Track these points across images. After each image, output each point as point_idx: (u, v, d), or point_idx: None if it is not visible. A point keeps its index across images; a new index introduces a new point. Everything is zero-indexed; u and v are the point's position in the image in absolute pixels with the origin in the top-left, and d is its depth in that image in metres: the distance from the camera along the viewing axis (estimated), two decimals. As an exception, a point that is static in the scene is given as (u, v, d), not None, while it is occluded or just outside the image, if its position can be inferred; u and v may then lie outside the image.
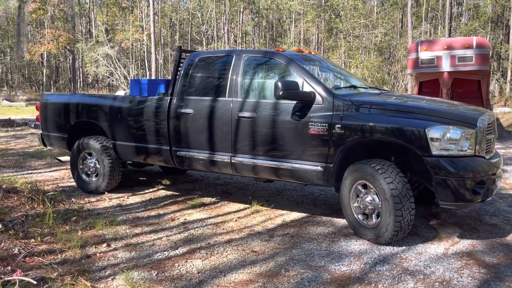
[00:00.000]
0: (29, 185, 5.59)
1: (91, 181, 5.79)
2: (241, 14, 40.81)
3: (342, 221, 4.61)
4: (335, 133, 4.04)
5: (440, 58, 9.96)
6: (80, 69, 40.57)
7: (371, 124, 3.90)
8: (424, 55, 10.11)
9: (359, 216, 4.10)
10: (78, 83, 39.67)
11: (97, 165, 5.70)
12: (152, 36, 30.10)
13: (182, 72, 5.09)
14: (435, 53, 10.00)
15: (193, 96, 4.97)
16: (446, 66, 9.93)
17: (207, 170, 5.07)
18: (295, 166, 4.32)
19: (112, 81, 34.35)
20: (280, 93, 4.06)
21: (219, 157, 4.77)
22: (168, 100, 5.08)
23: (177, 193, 5.88)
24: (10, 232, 3.99)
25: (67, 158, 6.21)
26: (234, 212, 5.06)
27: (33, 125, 6.62)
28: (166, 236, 4.20)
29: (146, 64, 35.92)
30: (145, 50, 37.09)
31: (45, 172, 7.12)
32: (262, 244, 4.01)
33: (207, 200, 5.54)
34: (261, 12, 41.48)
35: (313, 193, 5.87)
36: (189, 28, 41.97)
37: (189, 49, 42.51)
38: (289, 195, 5.77)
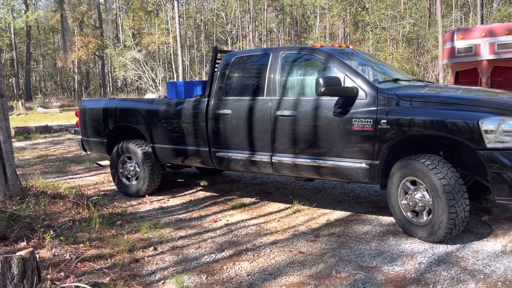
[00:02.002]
0: (73, 191, 5.69)
1: (132, 184, 5.85)
2: (265, 11, 40.66)
3: (389, 219, 4.48)
4: (380, 128, 3.91)
5: (478, 46, 9.57)
6: (110, 74, 41.46)
7: (420, 118, 3.75)
8: (461, 43, 9.74)
9: (408, 213, 3.96)
10: (108, 88, 40.55)
11: (137, 169, 5.76)
12: (178, 38, 30.42)
13: (218, 72, 5.06)
14: (472, 41, 9.61)
15: (230, 96, 4.94)
16: (485, 54, 9.53)
17: (247, 170, 5.02)
18: (338, 164, 4.22)
19: (141, 84, 34.93)
20: (322, 89, 3.97)
21: (258, 157, 4.72)
22: (206, 102, 5.07)
23: (216, 194, 5.87)
24: (61, 237, 4.06)
25: (106, 162, 6.30)
26: (276, 212, 4.99)
27: (73, 131, 6.76)
28: (211, 238, 4.18)
29: (173, 66, 36.34)
30: (171, 53, 37.52)
31: (85, 176, 7.26)
32: (308, 244, 3.93)
33: (246, 200, 5.50)
34: (285, 9, 41.23)
35: (354, 191, 5.74)
36: (214, 29, 42.19)
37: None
38: (329, 194, 5.66)
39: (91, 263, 3.52)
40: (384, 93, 3.99)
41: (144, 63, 34.17)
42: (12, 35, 36.55)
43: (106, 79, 41.37)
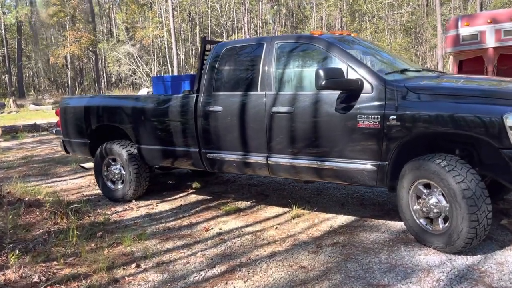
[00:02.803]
0: (53, 197, 5.24)
1: (117, 188, 5.40)
2: (260, 2, 40.01)
3: (398, 224, 4.05)
4: (389, 125, 3.47)
5: (484, 33, 9.10)
6: (104, 69, 40.84)
7: (434, 113, 3.30)
8: (466, 31, 9.27)
9: (421, 220, 3.53)
10: (102, 83, 39.96)
11: (123, 172, 5.31)
12: (172, 31, 29.84)
13: (207, 65, 4.60)
14: (477, 28, 9.15)
15: (221, 91, 4.48)
16: (490, 42, 9.06)
17: (241, 172, 4.58)
18: (341, 166, 3.78)
19: (135, 79, 34.38)
20: (323, 82, 3.51)
21: (253, 158, 4.27)
22: (194, 98, 4.61)
23: (209, 197, 5.43)
24: (32, 254, 3.62)
25: (91, 164, 5.85)
26: (273, 217, 4.56)
27: (54, 131, 6.29)
28: (201, 251, 3.75)
29: (168, 60, 35.76)
30: (166, 46, 36.91)
31: (70, 179, 6.81)
32: (310, 257, 3.50)
33: (241, 204, 5.07)
34: (281, 0, 40.55)
35: (358, 192, 5.31)
36: (209, 21, 41.53)
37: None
38: (331, 195, 5.23)
39: (62, 287, 3.08)
40: (393, 85, 3.54)
41: (138, 58, 33.59)
42: (3, 30, 35.83)
43: (100, 74, 40.77)
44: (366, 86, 3.62)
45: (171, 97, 4.86)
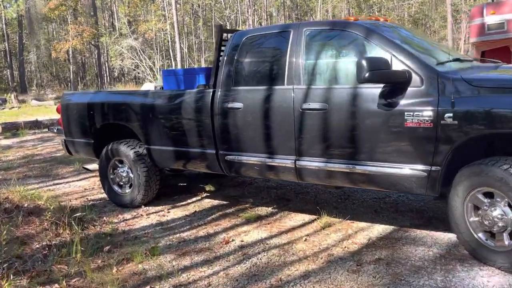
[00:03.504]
0: (54, 203, 4.78)
1: (125, 193, 4.92)
2: (264, -5, 39.28)
3: (445, 236, 3.56)
4: (444, 125, 2.96)
5: (511, 21, 8.54)
6: (106, 63, 40.29)
7: (502, 110, 2.79)
8: (492, 19, 8.70)
9: (480, 234, 3.04)
10: (105, 78, 39.46)
11: (130, 175, 4.83)
12: (175, 24, 29.28)
13: (225, 57, 4.09)
14: (505, 16, 8.58)
15: (241, 86, 3.98)
16: (518, 31, 8.51)
17: (263, 177, 4.10)
18: (384, 171, 3.28)
19: (138, 73, 33.86)
20: (366, 74, 3.00)
21: (279, 161, 3.78)
22: (211, 93, 4.11)
23: (225, 202, 4.94)
24: (29, 275, 3.15)
25: (95, 166, 5.39)
26: (300, 227, 4.08)
27: (55, 130, 5.81)
28: (223, 269, 3.27)
29: (171, 54, 35.20)
30: (169, 40, 36.32)
31: (73, 181, 6.34)
32: (351, 277, 3.02)
33: (262, 210, 4.58)
34: (285, -8, 39.80)
35: (389, 196, 4.81)
36: (212, 14, 40.88)
37: (213, 34, 41.30)
38: (360, 200, 4.73)
39: (65, 318, 2.62)
40: (447, 77, 3.03)
41: (141, 52, 33.07)
42: (4, 25, 35.31)
43: (103, 69, 40.24)
44: (415, 78, 3.11)
45: (184, 92, 4.37)
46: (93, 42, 37.22)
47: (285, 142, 3.71)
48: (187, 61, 37.37)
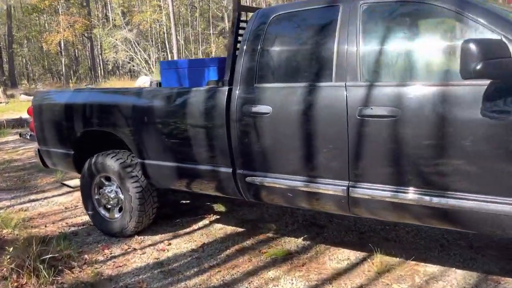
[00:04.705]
0: (24, 231, 3.72)
1: (113, 218, 3.87)
2: (263, -16, 37.97)
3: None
4: None
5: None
6: (100, 56, 38.97)
7: None
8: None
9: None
10: (99, 71, 38.20)
11: (120, 195, 3.78)
12: (171, 15, 28.08)
13: (246, 44, 3.02)
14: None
15: (269, 83, 2.92)
16: None
17: (299, 206, 3.06)
18: (491, 209, 2.24)
19: (133, 66, 32.66)
20: (478, 66, 1.96)
21: (324, 187, 2.73)
22: (226, 93, 3.05)
23: (240, 230, 3.91)
24: None
25: (77, 182, 4.34)
26: (346, 271, 3.05)
27: (28, 136, 4.73)
28: None
29: (167, 46, 33.99)
30: (165, 31, 35.08)
31: (53, 196, 5.26)
32: None
33: (290, 242, 3.55)
34: (284, -19, 38.54)
35: (452, 221, 3.76)
36: (209, 4, 39.58)
37: (210, 25, 40.02)
38: (415, 230, 3.68)
39: None
40: None
41: (136, 43, 31.86)
42: (-8, 16, 33.88)
43: (96, 62, 38.97)
44: (543, 72, 2.07)
45: (189, 91, 3.30)
46: (86, 34, 35.92)
47: (333, 162, 2.66)
48: (184, 54, 36.16)
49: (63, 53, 36.22)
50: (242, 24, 3.25)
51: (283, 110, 2.80)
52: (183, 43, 36.58)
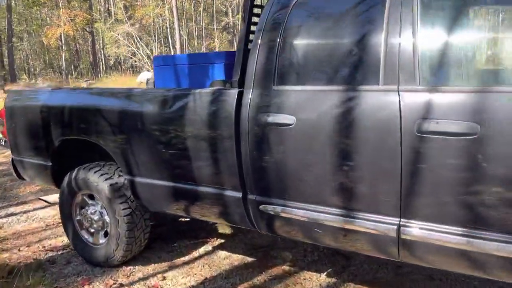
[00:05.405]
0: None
1: (97, 244, 3.22)
2: (268, -21, 37.18)
3: None
4: None
5: None
6: (101, 51, 38.33)
7: None
8: None
9: None
10: (100, 66, 37.59)
11: (105, 218, 3.13)
12: (174, 9, 27.49)
13: (262, 34, 2.35)
14: None
15: (292, 84, 2.26)
16: None
17: (331, 245, 2.38)
18: None
19: (135, 61, 32.05)
20: None
21: (367, 225, 2.06)
22: (236, 96, 2.38)
23: (249, 260, 3.25)
24: None
25: (57, 197, 3.70)
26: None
27: (3, 143, 4.08)
28: None
29: (170, 41, 33.32)
30: (168, 26, 34.39)
31: (33, 210, 4.61)
32: None
33: (311, 280, 2.90)
34: (290, -24, 37.72)
35: None
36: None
37: (214, 20, 39.66)
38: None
39: None
40: None
41: (138, 38, 31.24)
42: (-8, 9, 33.24)
43: (98, 56, 38.34)
44: None
45: (188, 93, 2.64)
46: (87, 29, 35.27)
47: (380, 191, 2.00)
48: (187, 49, 35.49)
49: (63, 48, 35.60)
50: (256, 10, 2.58)
51: (310, 121, 2.14)
52: (186, 38, 35.90)
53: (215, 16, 37.67)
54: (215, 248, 3.48)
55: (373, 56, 2.01)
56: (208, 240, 3.63)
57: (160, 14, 33.22)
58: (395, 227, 1.97)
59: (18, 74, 35.18)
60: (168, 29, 34.34)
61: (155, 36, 34.51)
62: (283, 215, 2.31)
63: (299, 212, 2.25)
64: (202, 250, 3.46)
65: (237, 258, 3.28)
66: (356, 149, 2.02)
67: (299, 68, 2.26)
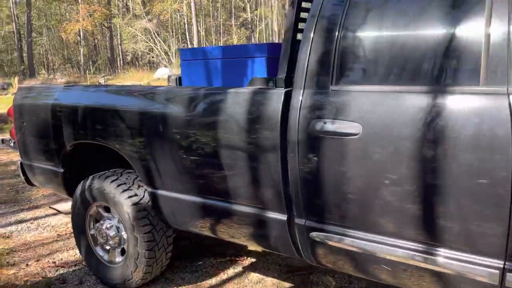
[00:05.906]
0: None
1: (114, 262, 2.82)
2: (287, -26, 36.61)
3: None
4: None
5: None
6: (119, 46, 38.32)
7: None
8: None
9: None
10: (118, 62, 37.59)
11: (123, 234, 2.73)
12: (192, 5, 27.28)
13: (316, 22, 1.90)
14: None
15: (356, 84, 1.81)
16: None
17: (404, 285, 1.92)
18: None
19: (152, 57, 31.96)
20: None
21: (457, 265, 1.60)
22: (282, 98, 1.94)
23: (287, 285, 2.81)
24: None
25: (68, 206, 3.33)
26: None
27: (12, 144, 3.72)
28: None
29: (187, 37, 33.08)
30: (185, 22, 34.14)
31: (45, 216, 4.26)
32: None
33: (363, 314, 2.44)
34: (310, -29, 37.03)
35: None
36: (231, -5, 38.41)
37: (232, 16, 39.49)
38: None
39: None
40: None
41: (156, 34, 31.11)
42: (12, 4, 33.44)
43: (116, 52, 38.37)
44: None
45: (222, 93, 2.20)
46: (105, 24, 35.26)
47: (478, 225, 1.53)
48: (204, 45, 35.19)
49: (82, 43, 35.69)
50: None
51: (383, 131, 1.68)
52: (203, 34, 35.60)
53: (233, 11, 37.28)
54: (246, 269, 3.06)
55: (470, 50, 1.55)
56: (237, 259, 3.21)
57: (178, 10, 33.00)
58: (499, 271, 1.51)
59: (37, 69, 35.42)
60: (186, 25, 34.10)
61: (172, 32, 34.31)
62: (341, 246, 1.87)
63: (364, 244, 1.80)
64: (231, 271, 3.04)
65: (271, 283, 2.85)
66: (445, 168, 1.56)
67: (366, 63, 1.80)
